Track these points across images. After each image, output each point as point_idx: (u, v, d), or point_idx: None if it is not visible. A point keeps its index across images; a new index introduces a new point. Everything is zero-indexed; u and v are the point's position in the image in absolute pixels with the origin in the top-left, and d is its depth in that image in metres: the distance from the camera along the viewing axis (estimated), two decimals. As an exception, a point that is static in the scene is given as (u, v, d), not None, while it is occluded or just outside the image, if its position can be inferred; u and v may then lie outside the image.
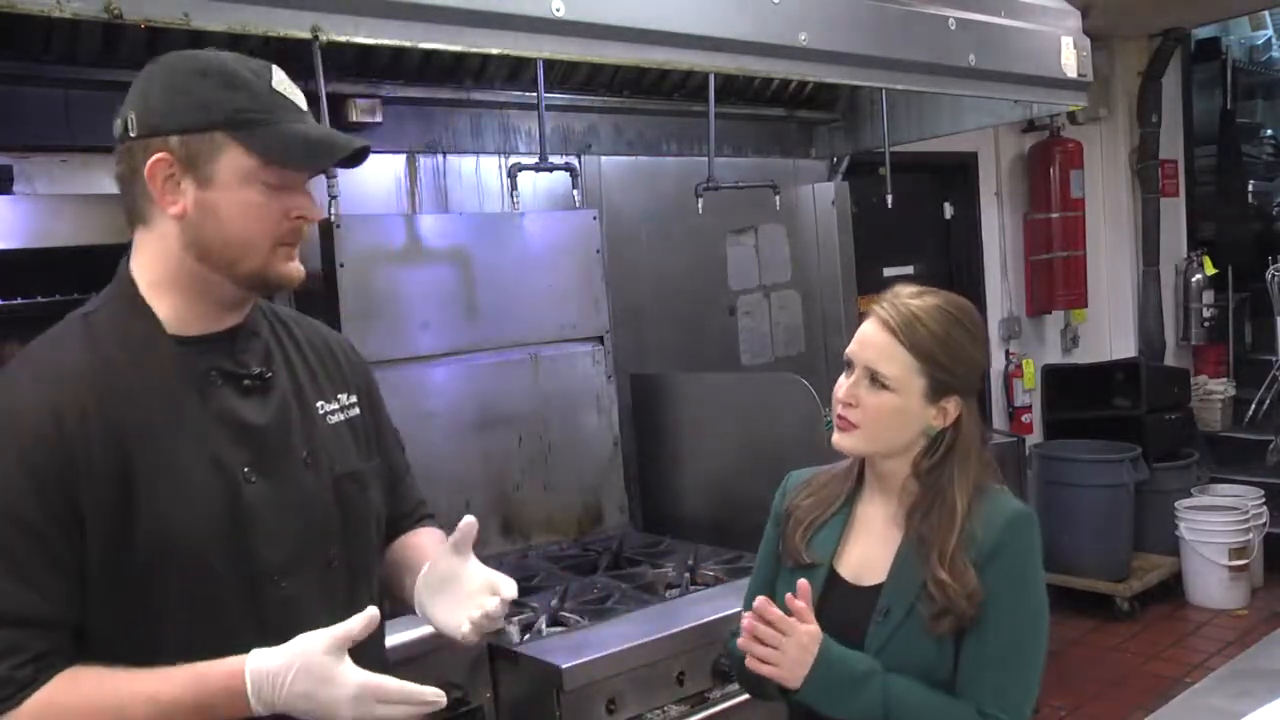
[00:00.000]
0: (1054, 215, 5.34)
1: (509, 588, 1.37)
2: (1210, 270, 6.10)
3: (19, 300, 2.02)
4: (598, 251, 3.05)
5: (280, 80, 1.28)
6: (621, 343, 3.16)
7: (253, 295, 1.33)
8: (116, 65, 2.25)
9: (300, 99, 1.30)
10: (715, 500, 2.99)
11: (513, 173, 2.72)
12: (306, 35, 1.63)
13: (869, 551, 1.56)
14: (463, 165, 2.97)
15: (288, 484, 1.31)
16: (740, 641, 1.46)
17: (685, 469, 3.10)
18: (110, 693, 1.16)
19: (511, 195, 2.70)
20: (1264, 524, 5.10)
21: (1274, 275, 5.85)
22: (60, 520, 1.16)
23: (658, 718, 2.14)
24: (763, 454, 2.78)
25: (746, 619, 1.44)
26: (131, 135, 1.24)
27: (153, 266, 1.28)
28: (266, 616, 1.26)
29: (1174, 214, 6.14)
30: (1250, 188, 6.67)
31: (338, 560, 1.35)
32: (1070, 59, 2.92)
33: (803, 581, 1.46)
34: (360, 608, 1.24)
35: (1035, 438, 5.38)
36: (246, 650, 1.20)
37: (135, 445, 1.20)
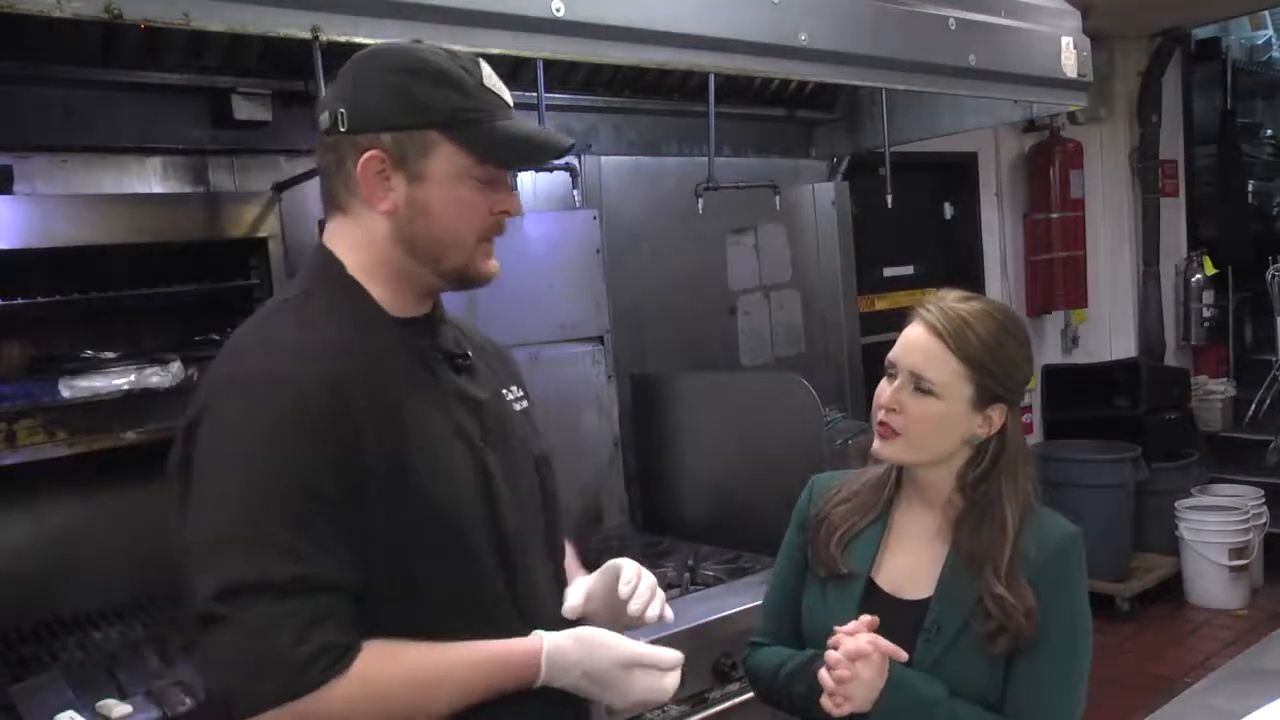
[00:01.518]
0: (1054, 215, 5.35)
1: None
2: (1210, 270, 6.10)
3: (19, 300, 2.02)
4: (598, 251, 3.04)
5: (489, 76, 1.27)
6: (621, 343, 3.16)
7: (449, 288, 1.35)
8: (116, 65, 2.25)
9: (507, 94, 1.29)
10: (715, 500, 2.99)
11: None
12: (306, 35, 1.63)
13: (910, 563, 1.51)
14: (463, 165, 2.96)
15: (510, 457, 1.34)
16: (824, 676, 1.38)
17: (685, 469, 3.10)
18: (426, 669, 1.17)
19: (511, 195, 2.69)
20: (1264, 524, 5.10)
21: (1274, 275, 5.85)
22: (345, 487, 1.14)
23: (658, 718, 2.14)
24: (763, 454, 2.78)
25: (833, 655, 1.37)
26: (342, 130, 1.23)
27: (358, 252, 1.28)
28: (516, 589, 1.28)
29: (1174, 214, 6.14)
30: (1250, 188, 6.67)
31: (548, 541, 1.38)
32: (1070, 59, 2.92)
33: (871, 618, 1.40)
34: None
35: (1035, 438, 5.39)
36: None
37: (401, 413, 1.21)
